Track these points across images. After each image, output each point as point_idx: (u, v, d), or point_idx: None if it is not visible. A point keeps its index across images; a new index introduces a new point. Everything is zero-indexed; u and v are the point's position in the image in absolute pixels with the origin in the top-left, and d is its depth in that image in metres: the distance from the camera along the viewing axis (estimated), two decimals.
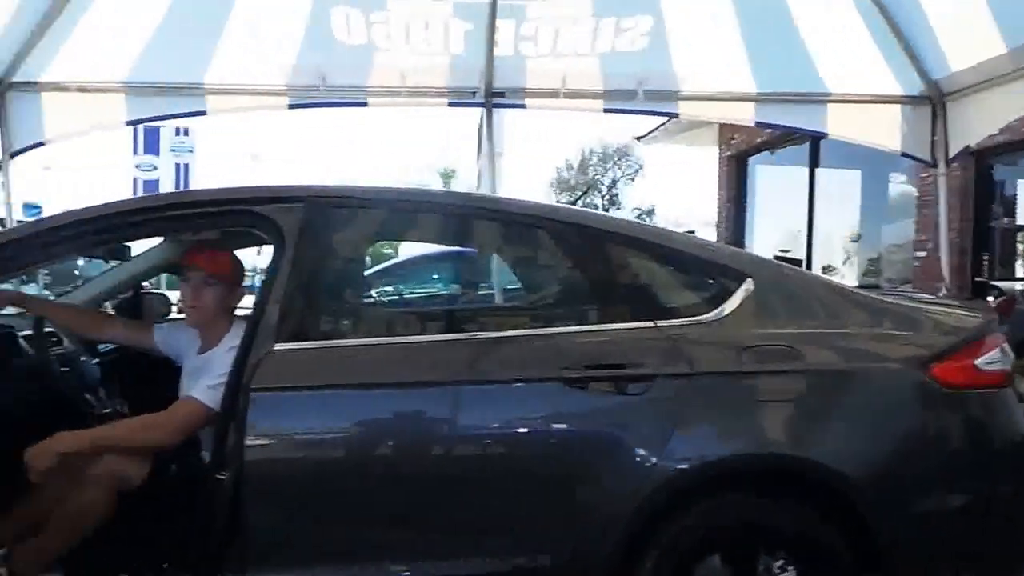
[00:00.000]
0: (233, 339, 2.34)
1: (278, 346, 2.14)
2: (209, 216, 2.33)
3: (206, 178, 19.05)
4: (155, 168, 18.36)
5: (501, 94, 4.94)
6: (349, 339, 2.31)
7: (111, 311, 3.82)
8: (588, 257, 2.46)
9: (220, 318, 2.44)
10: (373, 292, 6.60)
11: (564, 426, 2.29)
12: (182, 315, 2.63)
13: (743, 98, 4.89)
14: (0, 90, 4.65)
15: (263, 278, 2.23)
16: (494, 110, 4.98)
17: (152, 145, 18.34)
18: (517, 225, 2.50)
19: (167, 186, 17.93)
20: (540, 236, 2.53)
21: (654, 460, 2.21)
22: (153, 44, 4.67)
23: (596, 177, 33.92)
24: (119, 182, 19.04)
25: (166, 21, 4.51)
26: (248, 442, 2.07)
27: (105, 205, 2.27)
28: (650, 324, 2.35)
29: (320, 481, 2.18)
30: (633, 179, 34.89)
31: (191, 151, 19.07)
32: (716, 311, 2.41)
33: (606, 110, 5.01)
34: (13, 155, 4.73)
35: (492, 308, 3.67)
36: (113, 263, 3.77)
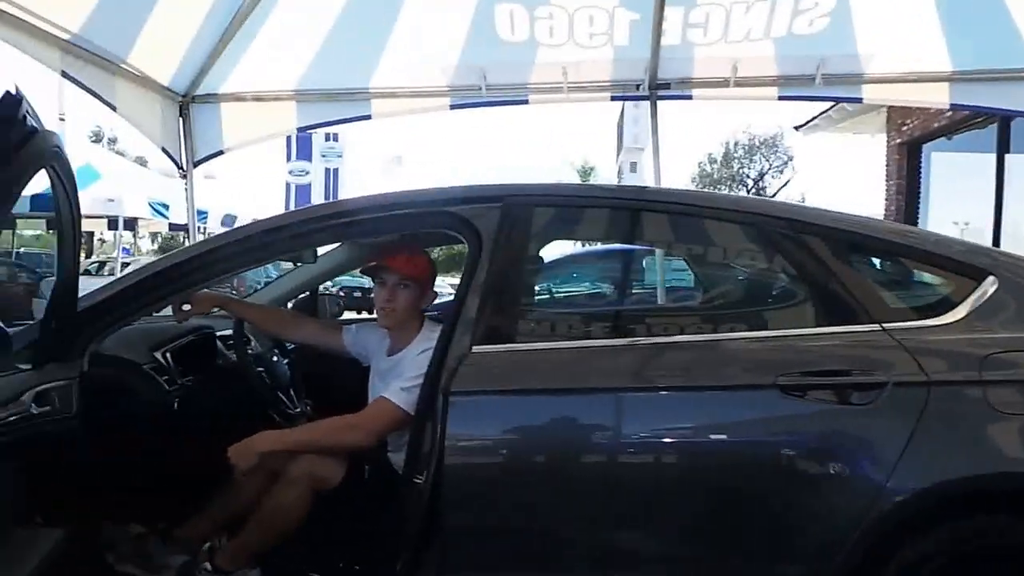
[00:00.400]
0: (424, 341, 2.32)
1: (476, 349, 2.08)
2: (407, 219, 2.30)
3: (353, 183, 19.83)
4: (307, 173, 19.21)
5: (666, 85, 4.74)
6: (547, 342, 2.21)
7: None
8: (802, 254, 2.24)
9: (412, 320, 2.44)
10: (559, 292, 6.47)
11: (778, 438, 2.09)
12: (362, 315, 2.64)
13: (936, 78, 4.45)
14: (185, 103, 4.91)
15: (461, 280, 2.18)
16: (642, 103, 4.79)
17: (305, 151, 19.23)
18: (727, 222, 2.31)
19: (318, 191, 18.72)
20: (750, 232, 2.33)
21: (884, 478, 1.98)
22: (322, 52, 4.79)
23: (742, 170, 32.72)
24: (273, 189, 20.13)
25: (335, 29, 4.60)
26: (446, 445, 2.01)
27: (307, 209, 2.32)
28: (876, 327, 2.11)
29: (519, 487, 2.09)
30: (781, 171, 33.42)
31: (340, 156, 19.87)
32: (952, 312, 2.14)
33: (781, 97, 4.71)
34: (196, 164, 5.00)
35: (691, 309, 3.48)
36: (291, 266, 3.89)
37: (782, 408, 2.05)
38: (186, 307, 2.51)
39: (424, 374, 2.17)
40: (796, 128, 10.83)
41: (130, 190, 11.56)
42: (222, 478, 2.47)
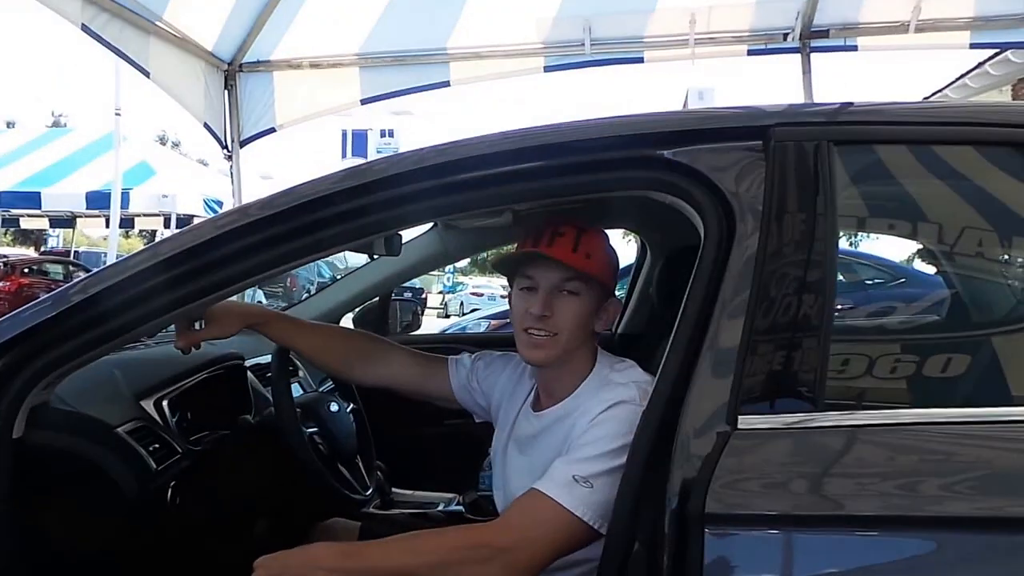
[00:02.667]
0: (606, 388, 1.32)
1: (746, 420, 1.07)
2: (571, 173, 1.22)
3: None
4: None
5: (824, 33, 3.75)
6: (904, 408, 1.21)
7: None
8: None
9: (580, 351, 1.38)
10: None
11: None
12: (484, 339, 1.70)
13: None
14: (231, 71, 4.15)
15: (692, 284, 1.17)
16: (811, 55, 3.79)
17: (360, 147, 18.71)
18: None
19: None
20: None
21: None
22: (390, 8, 3.98)
23: None
24: None
25: None
26: None
27: (385, 163, 1.25)
28: None
29: None
30: None
31: (396, 151, 19.26)
32: None
33: (973, 45, 3.69)
34: (243, 143, 4.22)
35: None
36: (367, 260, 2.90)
37: None
38: (197, 327, 1.52)
39: (615, 454, 1.21)
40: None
41: (185, 187, 11.09)
42: None
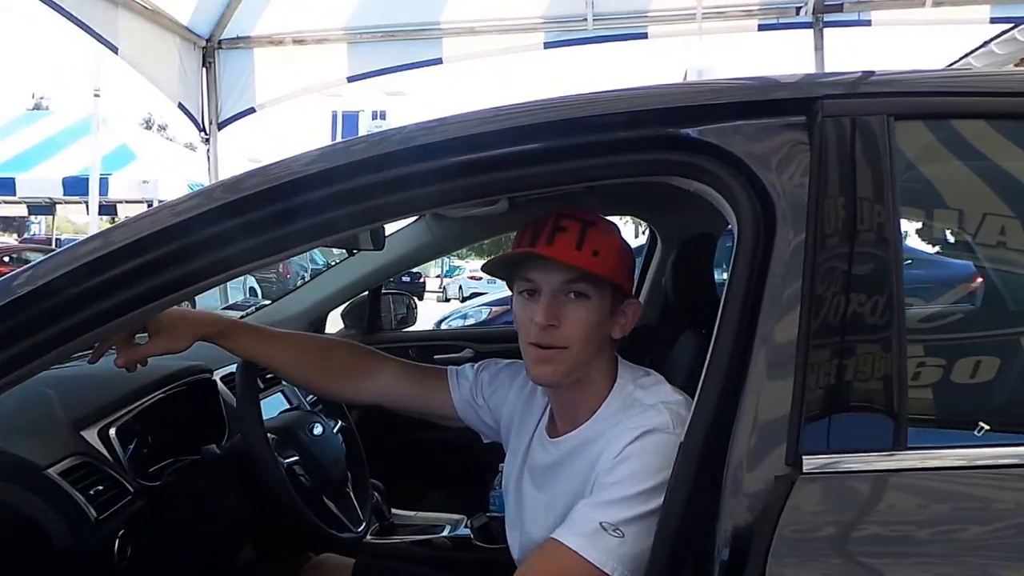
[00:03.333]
0: (628, 412, 1.10)
1: (810, 463, 0.85)
2: (581, 156, 0.98)
3: None
4: None
5: (838, 7, 3.53)
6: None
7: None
8: None
9: (595, 364, 1.14)
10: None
11: None
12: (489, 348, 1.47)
13: None
14: (209, 48, 3.90)
15: (727, 296, 0.94)
16: (824, 31, 3.57)
17: (351, 130, 18.35)
18: None
19: None
20: None
21: None
22: None
23: None
24: None
25: None
26: None
27: (360, 143, 1.00)
28: None
29: None
30: None
31: None
32: None
33: (994, 20, 3.48)
34: (221, 125, 3.98)
35: None
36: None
37: None
38: (140, 340, 1.23)
39: (649, 496, 0.99)
40: None
41: (168, 172, 10.72)
42: None
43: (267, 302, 2.92)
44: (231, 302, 5.60)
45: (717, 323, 0.93)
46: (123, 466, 1.32)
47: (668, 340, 2.16)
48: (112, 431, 1.34)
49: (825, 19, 3.57)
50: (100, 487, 1.22)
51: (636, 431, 1.04)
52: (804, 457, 0.85)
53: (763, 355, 0.88)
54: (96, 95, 8.21)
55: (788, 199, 0.92)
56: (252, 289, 11.35)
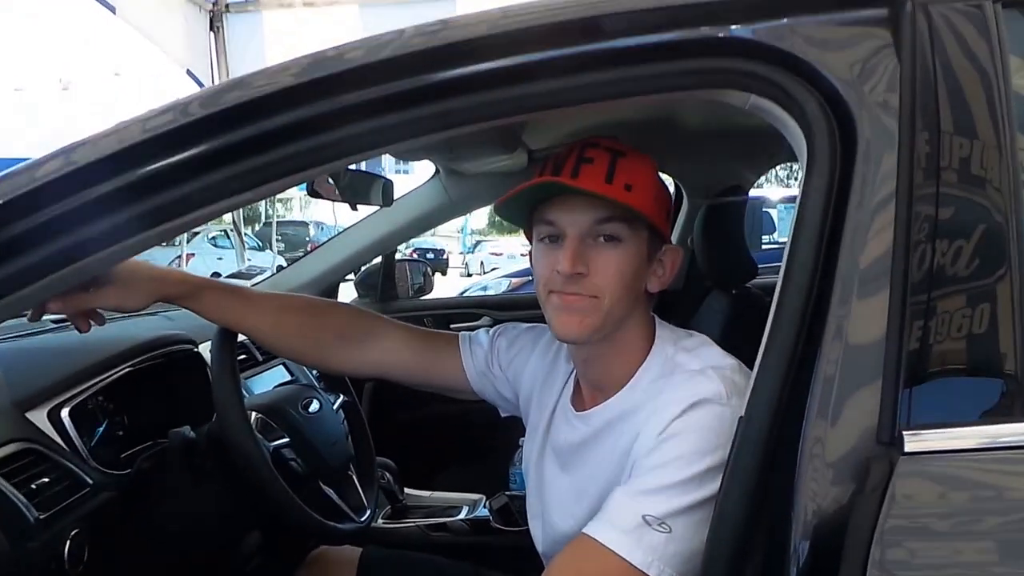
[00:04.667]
0: (672, 380, 0.92)
1: (913, 440, 0.68)
2: (606, 64, 0.78)
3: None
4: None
5: None
6: None
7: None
8: None
9: (630, 321, 0.97)
10: None
11: None
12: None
13: None
14: (217, 12, 3.78)
15: (793, 238, 0.76)
16: None
17: None
18: None
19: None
20: None
21: None
22: None
23: None
24: None
25: None
26: None
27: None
28: None
29: None
30: None
31: None
32: None
33: None
34: None
35: None
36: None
37: None
38: (90, 296, 0.99)
39: (701, 481, 0.83)
40: None
41: None
42: None
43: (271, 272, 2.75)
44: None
45: (782, 272, 0.76)
46: (80, 453, 1.12)
47: (695, 302, 2.00)
48: (65, 411, 1.14)
49: None
50: (46, 479, 1.03)
51: (683, 403, 0.86)
52: (905, 433, 0.68)
53: (845, 309, 0.72)
54: (64, 89, 8.05)
55: (874, 112, 0.74)
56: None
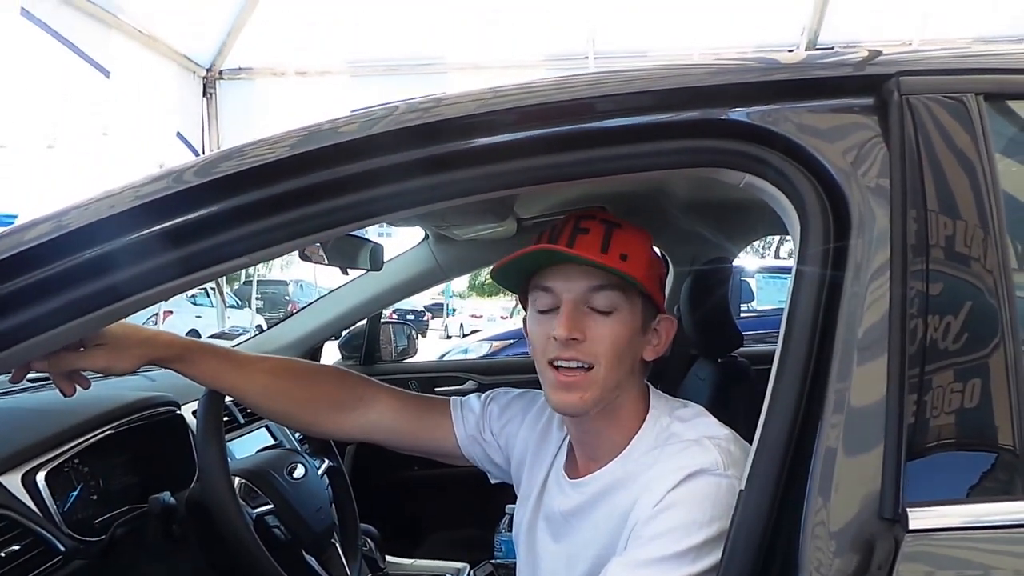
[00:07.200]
0: (667, 449, 0.92)
1: (917, 517, 0.68)
2: (606, 142, 0.81)
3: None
4: None
5: (829, 49, 3.49)
6: None
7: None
8: None
9: (625, 390, 0.97)
10: None
11: None
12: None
13: None
14: (210, 78, 3.85)
15: (790, 311, 0.78)
16: None
17: None
18: None
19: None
20: None
21: None
22: (383, 14, 3.74)
23: None
24: None
25: None
26: None
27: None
28: None
29: None
30: None
31: None
32: None
33: None
34: None
35: None
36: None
37: None
38: (79, 357, 0.97)
39: (699, 553, 0.82)
40: None
41: None
42: None
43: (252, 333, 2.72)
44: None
45: (780, 346, 0.78)
46: (53, 519, 1.08)
47: (681, 369, 2.01)
48: (41, 476, 1.09)
49: None
50: (15, 547, 0.99)
51: (680, 472, 0.85)
52: (909, 510, 0.68)
53: (843, 383, 0.73)
54: (50, 148, 8.06)
55: (864, 192, 0.77)
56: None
